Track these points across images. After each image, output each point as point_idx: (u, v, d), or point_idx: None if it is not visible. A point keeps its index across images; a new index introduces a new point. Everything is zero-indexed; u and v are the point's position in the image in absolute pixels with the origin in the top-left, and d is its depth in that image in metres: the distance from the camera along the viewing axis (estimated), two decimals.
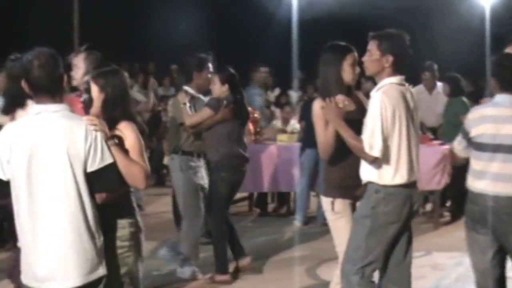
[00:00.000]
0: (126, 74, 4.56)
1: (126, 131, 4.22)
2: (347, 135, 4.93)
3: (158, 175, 13.17)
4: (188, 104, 7.66)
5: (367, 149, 4.82)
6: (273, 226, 9.85)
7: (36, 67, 3.97)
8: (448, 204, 10.74)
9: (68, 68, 5.80)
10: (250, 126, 10.44)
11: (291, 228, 9.85)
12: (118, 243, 4.28)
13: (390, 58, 4.95)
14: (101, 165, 4.00)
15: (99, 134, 4.00)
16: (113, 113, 4.28)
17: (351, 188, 5.22)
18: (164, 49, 18.71)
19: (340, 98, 5.05)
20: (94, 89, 4.36)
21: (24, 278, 4.08)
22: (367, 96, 5.13)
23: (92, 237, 4.02)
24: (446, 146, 9.89)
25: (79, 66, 6.06)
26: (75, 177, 3.95)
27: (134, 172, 4.13)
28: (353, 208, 5.27)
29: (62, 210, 3.96)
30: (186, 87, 7.88)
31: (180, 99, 7.76)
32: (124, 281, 4.28)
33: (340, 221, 5.26)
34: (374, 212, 4.93)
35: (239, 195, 10.64)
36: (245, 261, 7.60)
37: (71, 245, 3.97)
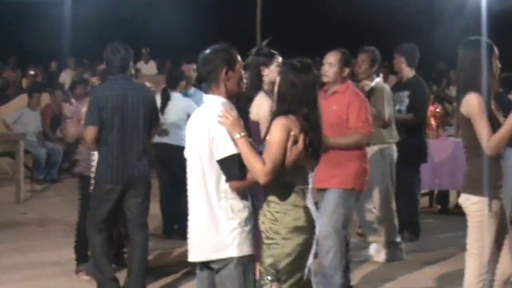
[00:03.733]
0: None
1: (272, 126, 4.36)
2: None
3: None
4: None
5: None
6: (454, 224, 9.65)
7: (200, 61, 4.50)
8: None
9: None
10: (432, 121, 10.26)
11: None
12: (264, 234, 4.42)
13: None
14: (224, 155, 4.28)
15: (223, 127, 4.28)
16: (280, 107, 4.42)
17: (501, 188, 5.14)
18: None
19: None
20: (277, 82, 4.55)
21: None
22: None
23: (217, 220, 4.36)
24: None
25: (332, 63, 6.43)
26: (202, 164, 4.37)
27: (252, 166, 4.26)
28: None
29: (196, 192, 4.43)
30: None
31: None
32: (268, 271, 4.36)
33: (494, 221, 5.08)
34: None
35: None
36: None
37: (199, 225, 4.44)
